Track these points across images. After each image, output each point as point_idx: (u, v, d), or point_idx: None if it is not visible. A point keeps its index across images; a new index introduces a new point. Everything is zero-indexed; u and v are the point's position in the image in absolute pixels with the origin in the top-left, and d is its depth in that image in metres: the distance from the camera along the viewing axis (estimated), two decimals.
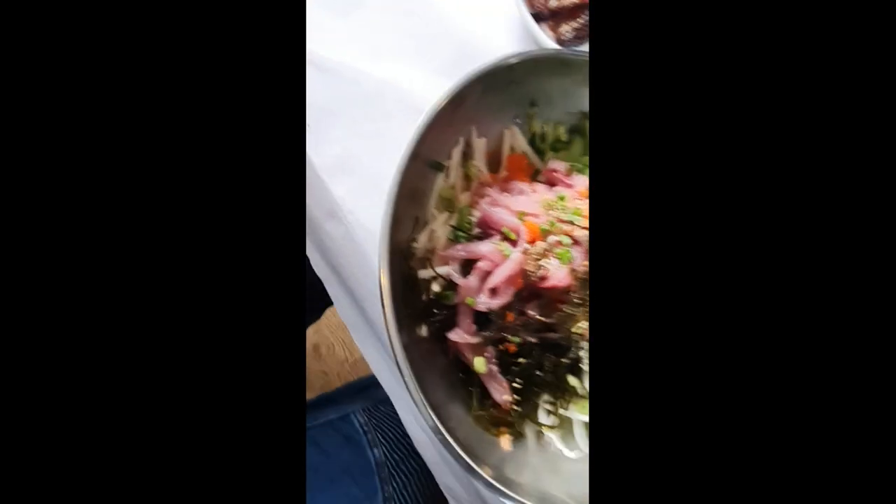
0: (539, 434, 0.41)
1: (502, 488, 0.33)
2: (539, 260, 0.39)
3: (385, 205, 0.39)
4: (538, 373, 0.40)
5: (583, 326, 0.39)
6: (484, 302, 0.40)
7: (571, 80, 0.42)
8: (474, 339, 0.40)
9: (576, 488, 0.36)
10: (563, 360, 0.40)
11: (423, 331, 0.42)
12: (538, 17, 0.51)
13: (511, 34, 0.53)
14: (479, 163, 0.45)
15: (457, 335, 0.41)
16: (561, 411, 0.41)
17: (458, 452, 0.33)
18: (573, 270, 0.39)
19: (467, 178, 0.46)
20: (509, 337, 0.40)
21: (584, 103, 0.45)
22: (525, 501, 0.32)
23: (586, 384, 0.40)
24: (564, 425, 0.41)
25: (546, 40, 0.48)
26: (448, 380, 0.42)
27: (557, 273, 0.38)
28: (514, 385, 0.40)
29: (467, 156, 0.45)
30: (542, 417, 0.41)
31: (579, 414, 0.41)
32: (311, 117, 0.50)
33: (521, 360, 0.40)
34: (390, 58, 0.51)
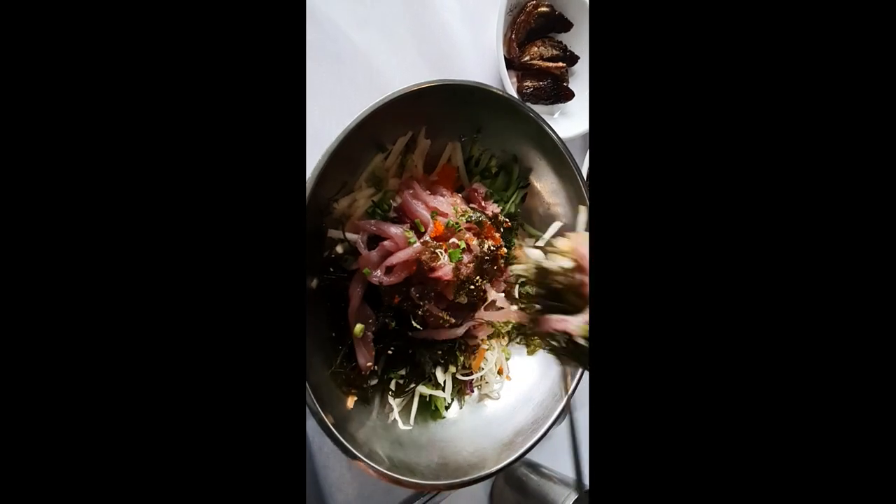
0: (383, 404, 0.45)
1: (337, 434, 0.36)
2: (434, 250, 0.44)
3: (319, 158, 0.40)
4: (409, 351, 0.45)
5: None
6: (378, 276, 0.44)
7: (515, 127, 0.49)
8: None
9: (398, 453, 0.41)
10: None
11: (314, 283, 0.45)
12: (510, 63, 0.58)
13: (485, 63, 0.59)
14: (418, 159, 0.50)
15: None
16: (411, 386, 0.46)
17: (310, 397, 0.36)
18: (457, 269, 0.44)
19: (402, 166, 0.50)
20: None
21: (517, 149, 0.52)
22: (352, 449, 0.36)
23: (438, 374, 0.46)
24: (407, 401, 0.47)
25: (509, 86, 0.55)
26: (320, 334, 0.44)
27: (445, 267, 0.44)
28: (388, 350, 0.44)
29: (409, 148, 0.49)
30: (393, 386, 0.46)
31: (423, 388, 0.46)
32: None
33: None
34: (375, 34, 0.54)
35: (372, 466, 0.37)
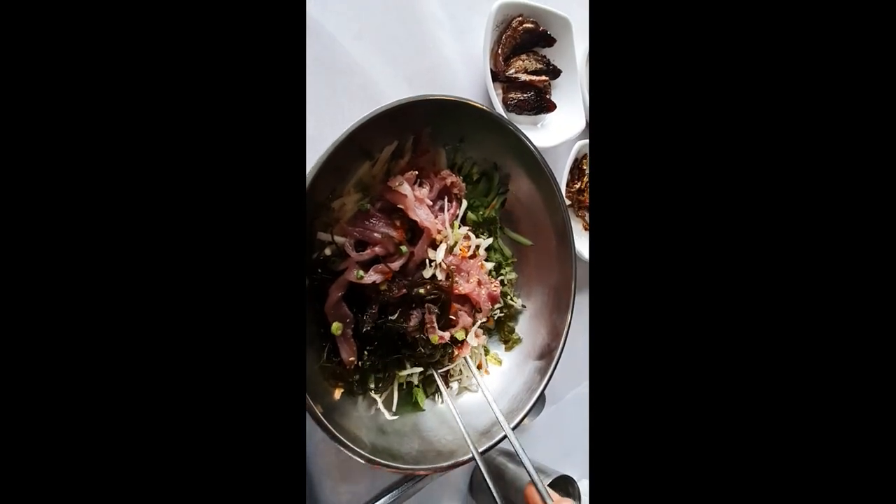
0: (368, 396, 0.49)
1: (326, 423, 0.40)
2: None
3: (311, 166, 0.43)
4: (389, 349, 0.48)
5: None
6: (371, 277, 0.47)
7: (496, 139, 0.52)
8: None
9: (381, 441, 0.45)
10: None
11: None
12: (496, 76, 0.61)
13: (473, 75, 0.62)
14: (404, 166, 0.53)
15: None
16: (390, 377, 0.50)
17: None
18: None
19: (388, 173, 0.53)
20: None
21: (498, 158, 0.55)
22: (341, 437, 0.40)
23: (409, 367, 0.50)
24: (388, 392, 0.50)
25: (495, 97, 0.58)
26: (309, 331, 0.47)
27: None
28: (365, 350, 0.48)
29: (395, 156, 0.52)
30: (372, 383, 0.49)
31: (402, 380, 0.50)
32: None
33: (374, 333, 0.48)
34: (369, 45, 0.56)
35: (357, 452, 0.41)
